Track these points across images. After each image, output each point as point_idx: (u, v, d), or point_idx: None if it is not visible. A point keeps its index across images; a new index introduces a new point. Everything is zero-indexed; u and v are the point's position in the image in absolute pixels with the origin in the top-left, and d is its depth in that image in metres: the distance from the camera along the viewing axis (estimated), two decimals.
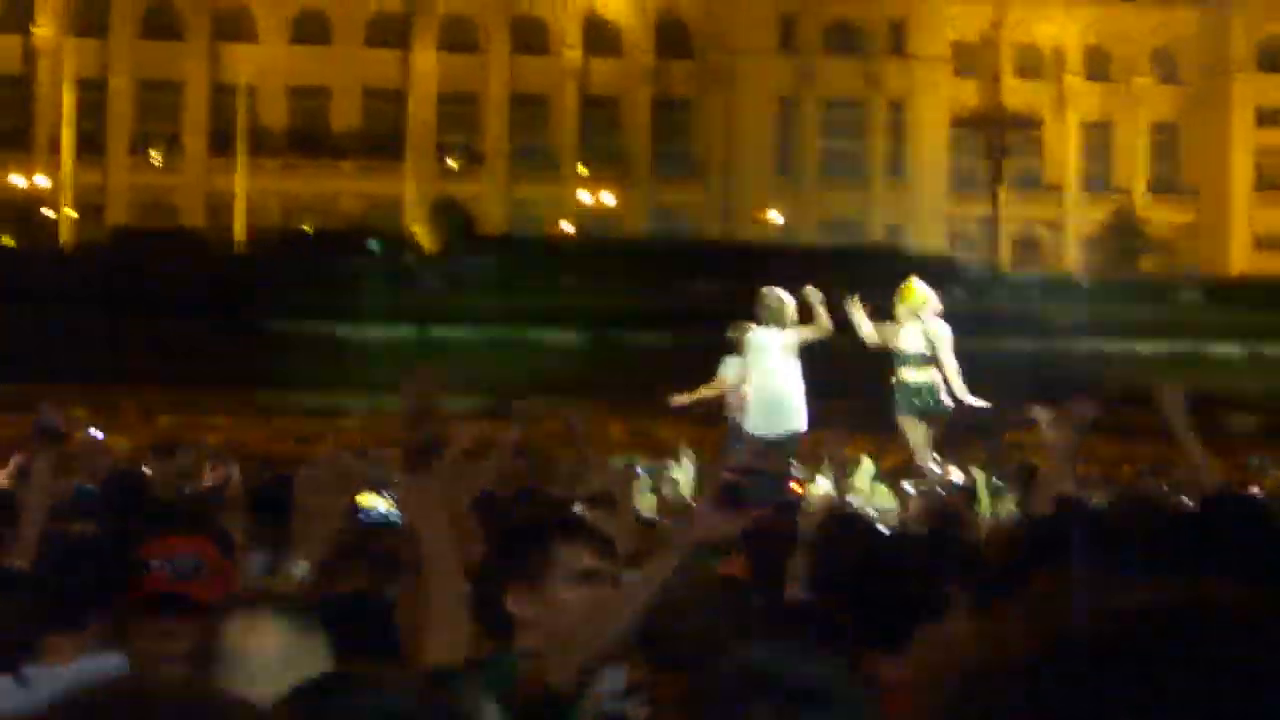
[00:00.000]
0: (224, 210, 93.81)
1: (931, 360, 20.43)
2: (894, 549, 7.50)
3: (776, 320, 20.24)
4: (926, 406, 20.40)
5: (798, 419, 20.37)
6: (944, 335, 20.60)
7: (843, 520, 9.53)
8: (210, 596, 4.85)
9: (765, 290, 20.63)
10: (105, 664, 5.23)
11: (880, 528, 9.99)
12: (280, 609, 4.62)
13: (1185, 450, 8.74)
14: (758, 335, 20.26)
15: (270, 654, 4.38)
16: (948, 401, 20.44)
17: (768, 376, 20.20)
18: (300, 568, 4.84)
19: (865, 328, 20.30)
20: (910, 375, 20.42)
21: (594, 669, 4.69)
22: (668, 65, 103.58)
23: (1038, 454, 18.01)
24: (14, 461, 17.57)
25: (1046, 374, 48.44)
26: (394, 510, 7.27)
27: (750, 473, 4.20)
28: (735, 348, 20.63)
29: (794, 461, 19.44)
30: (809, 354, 20.58)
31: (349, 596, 5.69)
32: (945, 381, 20.45)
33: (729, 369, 20.81)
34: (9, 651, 5.72)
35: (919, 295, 20.60)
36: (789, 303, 20.29)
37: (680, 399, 21.42)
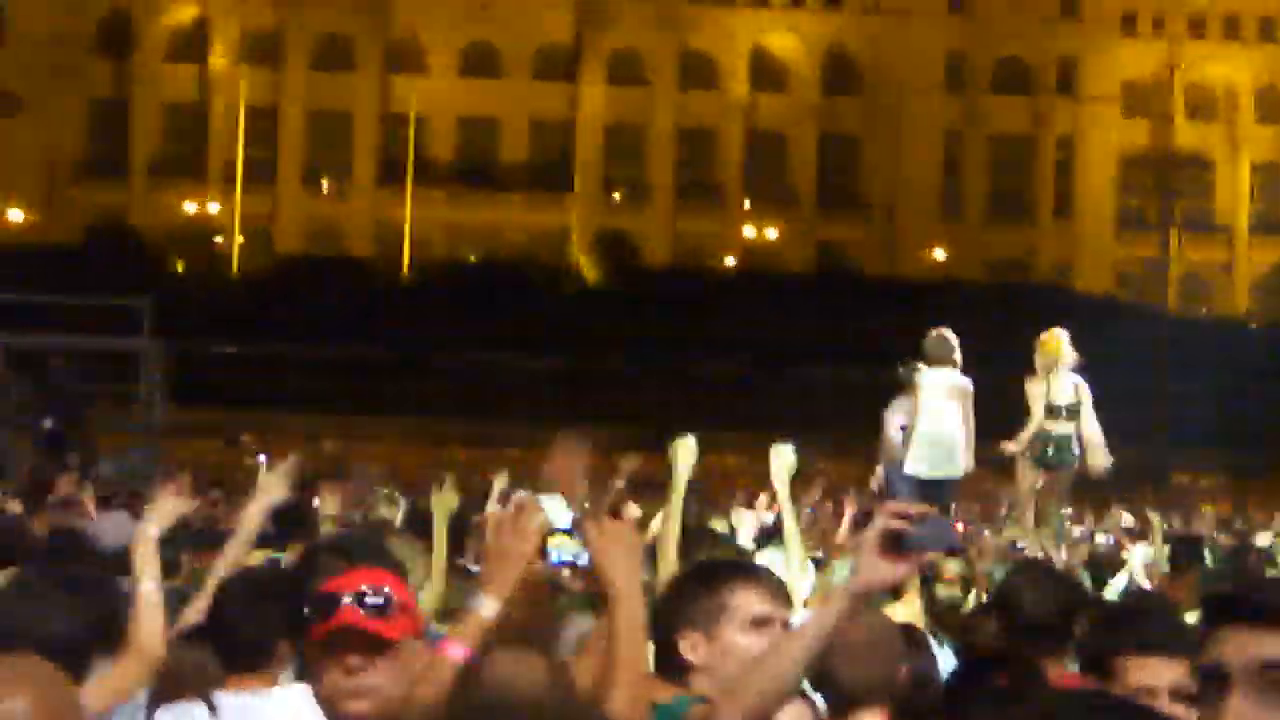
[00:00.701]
0: (391, 239, 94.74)
1: (1073, 413, 20.28)
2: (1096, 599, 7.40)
3: (943, 360, 20.09)
4: (1054, 459, 20.27)
5: (960, 462, 20.20)
6: (1087, 391, 20.43)
7: (1038, 567, 9.32)
8: (399, 633, 4.88)
9: (934, 330, 20.49)
10: (296, 693, 5.29)
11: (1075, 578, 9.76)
12: (540, 652, 4.70)
13: None
14: (925, 375, 20.12)
15: (534, 692, 4.50)
16: (1075, 455, 20.27)
17: (932, 417, 20.04)
18: (489, 607, 4.86)
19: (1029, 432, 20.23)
20: (1051, 426, 20.27)
21: (764, 717, 4.66)
22: (834, 101, 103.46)
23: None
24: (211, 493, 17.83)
25: (1215, 416, 47.86)
26: (581, 551, 7.27)
27: (915, 516, 4.16)
28: (905, 387, 20.47)
29: (954, 504, 19.26)
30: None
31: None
32: (1079, 437, 20.25)
33: (896, 411, 20.64)
34: (199, 685, 5.79)
35: (1057, 348, 20.39)
36: (955, 343, 20.15)
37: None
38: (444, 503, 9.59)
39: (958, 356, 20.03)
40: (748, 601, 5.37)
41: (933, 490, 19.44)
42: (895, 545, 4.44)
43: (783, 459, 9.21)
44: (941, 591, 9.40)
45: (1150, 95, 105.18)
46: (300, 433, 51.43)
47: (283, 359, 63.91)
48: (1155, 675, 5.39)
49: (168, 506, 6.53)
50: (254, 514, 7.48)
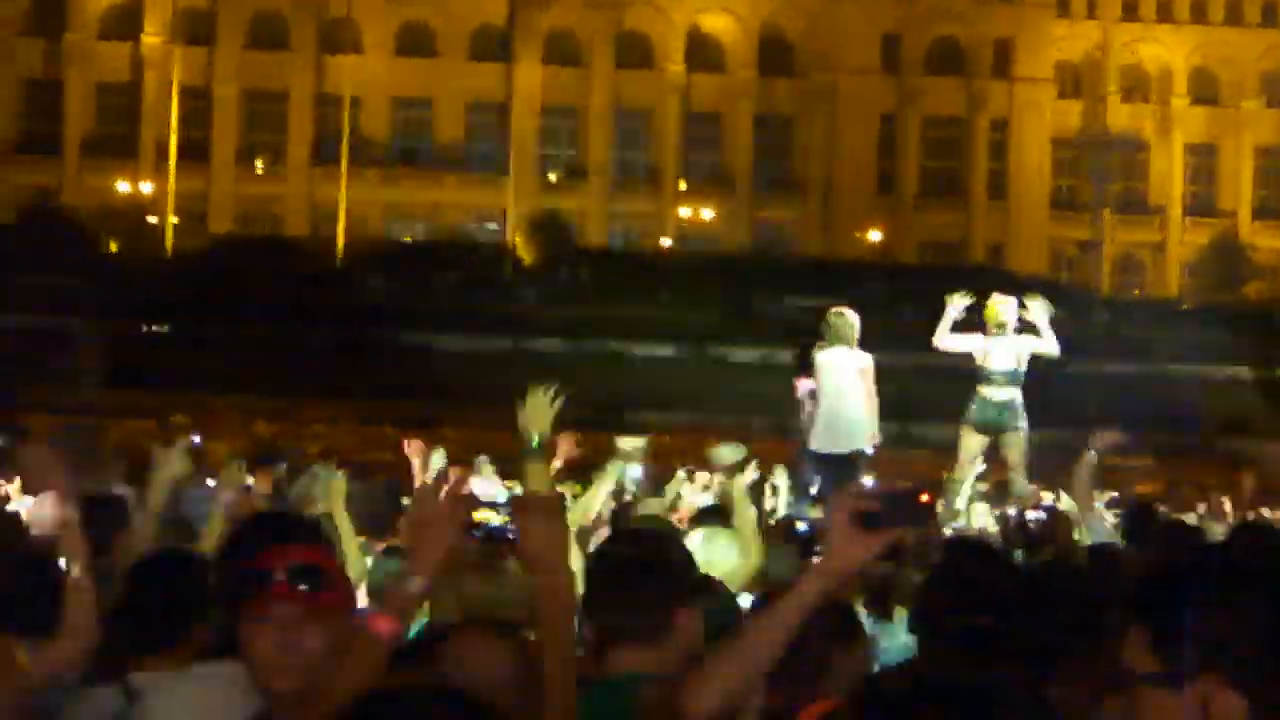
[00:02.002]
0: (326, 220, 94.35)
1: (1014, 379, 20.42)
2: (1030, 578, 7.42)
3: (843, 339, 20.10)
4: (1000, 424, 20.41)
5: (862, 439, 20.24)
6: (1029, 341, 20.57)
7: (972, 545, 9.36)
8: (330, 607, 4.88)
9: (833, 310, 20.52)
10: (220, 671, 5.25)
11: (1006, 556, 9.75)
12: (504, 630, 4.72)
13: None
14: (825, 355, 20.12)
15: (496, 673, 4.54)
16: (1024, 423, 20.41)
17: (834, 396, 20.07)
18: (415, 583, 4.84)
19: (944, 330, 20.32)
20: (990, 392, 20.41)
21: (736, 704, 4.63)
22: (770, 82, 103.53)
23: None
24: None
25: (1145, 398, 48.12)
26: (507, 524, 7.28)
27: (882, 495, 4.15)
28: (806, 367, 20.54)
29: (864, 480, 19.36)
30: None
31: None
32: (1022, 404, 20.42)
33: (802, 390, 20.68)
34: (114, 664, 5.73)
35: (994, 313, 20.58)
36: (854, 321, 20.18)
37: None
38: (335, 488, 9.74)
39: (856, 334, 20.09)
40: None
41: (839, 467, 19.53)
42: (865, 524, 4.46)
43: (728, 455, 9.30)
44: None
45: (1083, 77, 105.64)
46: (235, 415, 51.20)
47: (217, 340, 63.55)
48: None
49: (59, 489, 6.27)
50: (157, 491, 7.45)
